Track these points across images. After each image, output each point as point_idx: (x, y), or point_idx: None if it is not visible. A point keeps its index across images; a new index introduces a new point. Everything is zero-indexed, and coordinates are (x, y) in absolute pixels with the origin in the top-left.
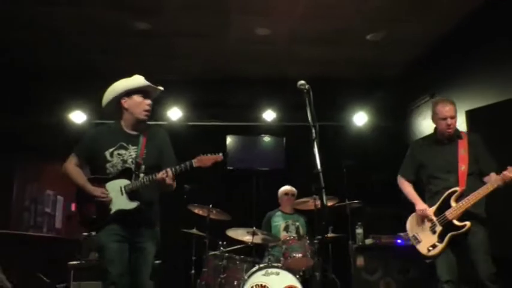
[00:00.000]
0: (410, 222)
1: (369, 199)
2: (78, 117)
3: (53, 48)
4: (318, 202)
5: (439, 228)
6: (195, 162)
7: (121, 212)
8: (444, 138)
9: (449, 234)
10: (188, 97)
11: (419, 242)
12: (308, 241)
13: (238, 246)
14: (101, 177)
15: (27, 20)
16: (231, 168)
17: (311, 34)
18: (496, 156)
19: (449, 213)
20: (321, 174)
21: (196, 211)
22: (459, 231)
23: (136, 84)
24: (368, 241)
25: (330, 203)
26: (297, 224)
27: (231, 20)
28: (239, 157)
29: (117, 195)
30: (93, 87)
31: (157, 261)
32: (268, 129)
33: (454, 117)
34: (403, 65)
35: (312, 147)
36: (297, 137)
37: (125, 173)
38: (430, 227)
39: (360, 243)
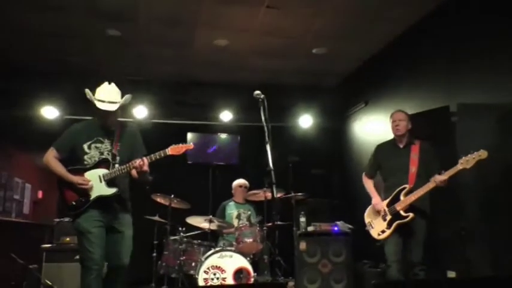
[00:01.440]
0: (367, 212)
1: (310, 191)
2: (50, 112)
3: (30, 48)
4: (268, 194)
5: (388, 217)
6: (169, 151)
7: (101, 198)
8: (398, 143)
9: (395, 222)
10: (154, 97)
11: (372, 228)
12: (258, 228)
13: (196, 232)
14: (79, 167)
15: (5, 21)
16: (190, 162)
17: (265, 47)
18: None
19: (398, 205)
20: (272, 172)
21: (158, 200)
22: (404, 220)
23: (93, 102)
24: (310, 228)
25: (278, 195)
26: (248, 213)
27: (197, 32)
28: (198, 152)
29: (96, 182)
30: (66, 85)
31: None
32: (225, 128)
33: (401, 120)
34: (343, 76)
35: (265, 148)
36: (250, 136)
37: (102, 163)
38: (382, 216)
39: (303, 230)
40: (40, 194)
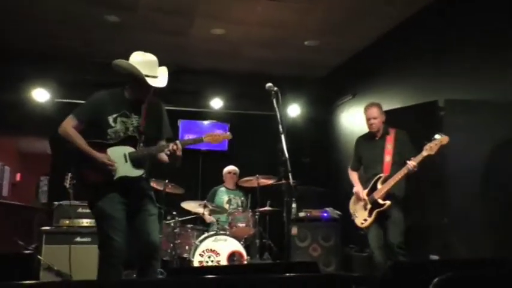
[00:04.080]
0: (352, 201)
1: (299, 179)
2: (40, 95)
3: (23, 30)
4: (262, 181)
5: (368, 206)
6: (205, 138)
7: (125, 179)
8: (374, 135)
9: (375, 211)
10: None
11: (356, 216)
12: (251, 213)
13: (191, 216)
14: (101, 142)
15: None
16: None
17: (260, 38)
18: None
19: (375, 194)
20: (288, 161)
21: (153, 185)
22: (382, 208)
23: (140, 76)
24: (301, 214)
25: (269, 181)
26: (240, 198)
27: (195, 21)
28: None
29: (121, 161)
30: (58, 69)
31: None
32: (215, 115)
33: (375, 118)
34: (332, 68)
35: (280, 139)
36: (239, 123)
37: (128, 140)
38: (363, 205)
39: (294, 216)
40: (18, 177)
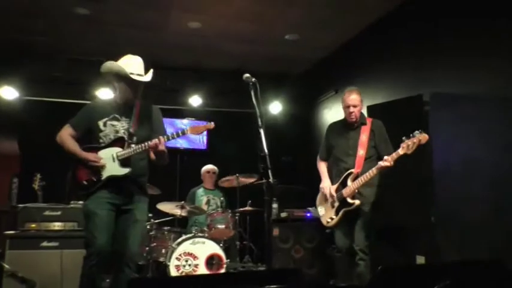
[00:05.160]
0: (319, 198)
1: (281, 178)
2: (8, 93)
3: None
4: (242, 180)
5: (336, 204)
6: (188, 130)
7: (112, 178)
8: (350, 124)
9: (342, 210)
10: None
11: (322, 214)
12: (230, 214)
13: (168, 218)
14: (94, 146)
15: None
16: None
17: (238, 32)
18: None
19: (344, 192)
20: (267, 157)
21: None
22: (350, 208)
23: (123, 73)
24: (283, 214)
25: (250, 181)
26: (218, 199)
27: (170, 15)
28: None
29: (109, 162)
30: (27, 65)
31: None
32: (194, 113)
33: (356, 106)
34: (313, 64)
35: (259, 133)
36: (218, 122)
37: (117, 142)
38: (331, 202)
39: (276, 216)
40: None
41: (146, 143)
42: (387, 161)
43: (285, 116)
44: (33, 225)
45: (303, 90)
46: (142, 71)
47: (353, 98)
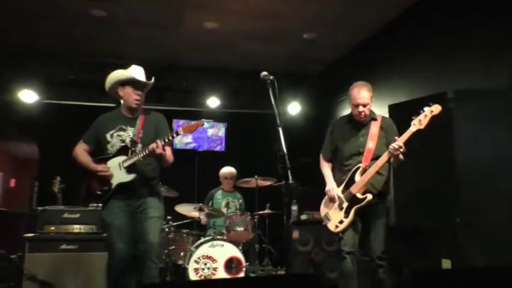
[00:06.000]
0: (323, 203)
1: (301, 180)
2: (28, 96)
3: (7, 29)
4: (260, 182)
5: (345, 204)
6: (181, 130)
7: (121, 185)
8: (359, 122)
9: (354, 208)
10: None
11: (329, 220)
12: (249, 216)
13: (187, 220)
14: (103, 157)
15: None
16: (175, 148)
17: (255, 31)
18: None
19: (353, 188)
20: (286, 156)
21: None
22: (361, 204)
23: (126, 76)
24: (303, 217)
25: (269, 182)
26: (237, 201)
27: (185, 14)
28: (184, 139)
29: (117, 170)
30: (45, 68)
31: (105, 234)
32: (212, 114)
33: (366, 105)
34: (332, 63)
35: (277, 132)
36: (236, 123)
37: (122, 151)
38: (338, 204)
39: (295, 219)
40: (12, 183)
41: (145, 149)
42: (396, 144)
43: (303, 116)
44: (52, 228)
45: (321, 90)
46: (143, 79)
47: (363, 96)
